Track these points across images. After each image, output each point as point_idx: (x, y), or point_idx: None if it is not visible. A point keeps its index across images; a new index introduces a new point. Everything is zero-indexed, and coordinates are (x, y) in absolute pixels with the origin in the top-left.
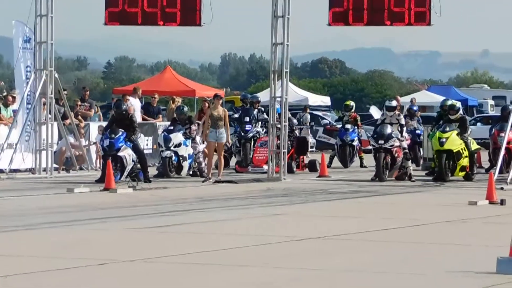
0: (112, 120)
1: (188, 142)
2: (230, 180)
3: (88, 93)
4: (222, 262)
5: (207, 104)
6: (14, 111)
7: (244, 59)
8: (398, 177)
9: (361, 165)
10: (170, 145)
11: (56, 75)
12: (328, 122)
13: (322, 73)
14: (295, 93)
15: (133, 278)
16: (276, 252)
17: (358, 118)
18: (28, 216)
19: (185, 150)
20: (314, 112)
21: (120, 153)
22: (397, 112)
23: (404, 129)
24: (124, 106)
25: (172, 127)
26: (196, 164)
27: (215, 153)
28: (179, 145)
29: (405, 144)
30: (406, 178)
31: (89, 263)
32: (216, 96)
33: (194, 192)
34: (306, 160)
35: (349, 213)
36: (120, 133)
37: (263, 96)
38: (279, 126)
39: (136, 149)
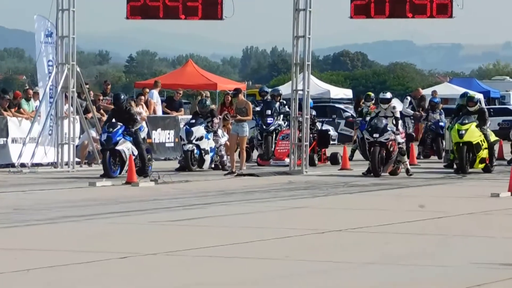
0: (111, 114)
1: (210, 135)
2: (252, 173)
3: (109, 87)
4: (243, 255)
5: (229, 98)
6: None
7: (266, 52)
8: (392, 172)
9: None
10: (192, 138)
11: (78, 69)
12: (350, 115)
13: (344, 66)
14: (317, 86)
15: (155, 271)
16: (298, 245)
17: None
18: (50, 210)
19: (207, 144)
20: (336, 105)
21: (118, 147)
22: (392, 105)
23: (400, 122)
24: (122, 97)
25: (193, 121)
26: (218, 157)
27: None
28: (201, 138)
29: (399, 138)
30: (401, 173)
31: (111, 257)
32: (237, 90)
33: (216, 185)
34: (328, 153)
35: (371, 206)
36: (118, 127)
37: (285, 89)
38: (300, 119)
39: (136, 142)
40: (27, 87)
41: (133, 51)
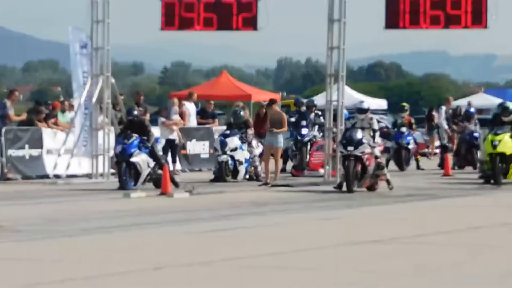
0: (125, 127)
1: (244, 146)
2: (287, 184)
3: (142, 97)
4: (278, 265)
5: (264, 109)
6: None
7: (300, 63)
8: (370, 188)
9: (418, 167)
10: (226, 149)
11: (113, 81)
12: (384, 125)
13: (378, 76)
14: (352, 97)
15: (189, 282)
16: (332, 256)
17: (413, 121)
18: (84, 221)
19: (241, 154)
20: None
21: (133, 159)
22: (369, 116)
23: (377, 134)
24: (136, 112)
25: (228, 131)
26: (252, 168)
27: (271, 157)
28: (235, 149)
29: (377, 151)
30: (385, 188)
31: (145, 267)
32: (271, 101)
33: (250, 196)
34: None
35: (406, 216)
36: (134, 138)
37: (319, 100)
38: (335, 130)
39: (153, 154)
40: (62, 99)
41: (168, 62)
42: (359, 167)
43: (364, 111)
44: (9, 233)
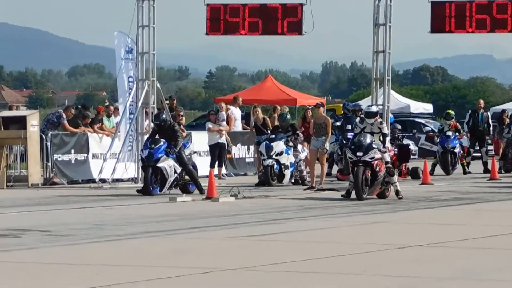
0: (154, 131)
1: (290, 150)
2: (332, 188)
3: (175, 102)
4: (322, 270)
5: (310, 112)
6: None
7: (345, 67)
8: (380, 195)
9: (464, 172)
10: (271, 153)
11: (158, 85)
12: (430, 129)
13: (424, 80)
14: (397, 101)
15: (235, 286)
16: (377, 260)
17: (459, 127)
18: (130, 225)
19: (287, 159)
20: (416, 120)
21: (159, 164)
22: (379, 120)
23: (387, 139)
24: (163, 116)
25: (273, 136)
26: (298, 172)
27: (317, 161)
28: (280, 153)
29: (387, 156)
30: (394, 195)
31: (192, 272)
32: (318, 104)
33: (295, 200)
34: (409, 168)
35: (451, 221)
36: (161, 143)
37: (365, 104)
38: None
39: (180, 160)
40: (108, 103)
41: (213, 66)
42: (368, 174)
43: (373, 115)
44: (56, 237)
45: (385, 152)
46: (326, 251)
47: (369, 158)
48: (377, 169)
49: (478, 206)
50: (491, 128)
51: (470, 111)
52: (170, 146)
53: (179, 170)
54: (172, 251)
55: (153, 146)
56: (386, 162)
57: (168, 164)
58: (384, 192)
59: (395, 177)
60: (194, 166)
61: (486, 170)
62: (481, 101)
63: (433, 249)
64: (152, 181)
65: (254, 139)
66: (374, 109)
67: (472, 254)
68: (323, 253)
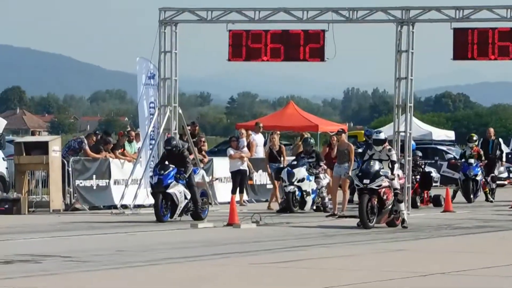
0: (163, 157)
1: (312, 177)
2: (354, 215)
3: (197, 128)
4: None
5: (335, 139)
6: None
7: (367, 93)
8: (390, 223)
9: (487, 199)
10: (293, 180)
11: (180, 111)
12: (452, 156)
13: (446, 107)
14: (419, 128)
15: None
16: None
17: (481, 152)
18: (152, 251)
19: (309, 185)
20: (438, 147)
21: (169, 190)
22: (387, 147)
23: (396, 166)
24: (174, 142)
25: (295, 162)
26: (320, 199)
27: (339, 188)
28: (302, 180)
29: (396, 183)
30: (399, 224)
31: None
32: (339, 131)
33: (317, 227)
34: (431, 195)
35: (475, 249)
36: (170, 169)
37: (386, 131)
38: (403, 161)
39: (189, 185)
40: (129, 129)
41: (234, 92)
42: (375, 201)
43: (381, 142)
44: (77, 263)
45: (393, 179)
46: (349, 279)
47: (376, 186)
48: (385, 197)
49: (501, 234)
50: (503, 155)
51: (481, 139)
52: (180, 171)
53: (189, 196)
54: (195, 277)
55: (162, 172)
56: (395, 189)
57: (178, 190)
58: (394, 220)
59: (403, 205)
60: (204, 193)
61: (487, 199)
62: (491, 129)
63: (455, 277)
64: (162, 207)
65: (267, 164)
66: (382, 136)
67: (495, 282)
68: (346, 281)
